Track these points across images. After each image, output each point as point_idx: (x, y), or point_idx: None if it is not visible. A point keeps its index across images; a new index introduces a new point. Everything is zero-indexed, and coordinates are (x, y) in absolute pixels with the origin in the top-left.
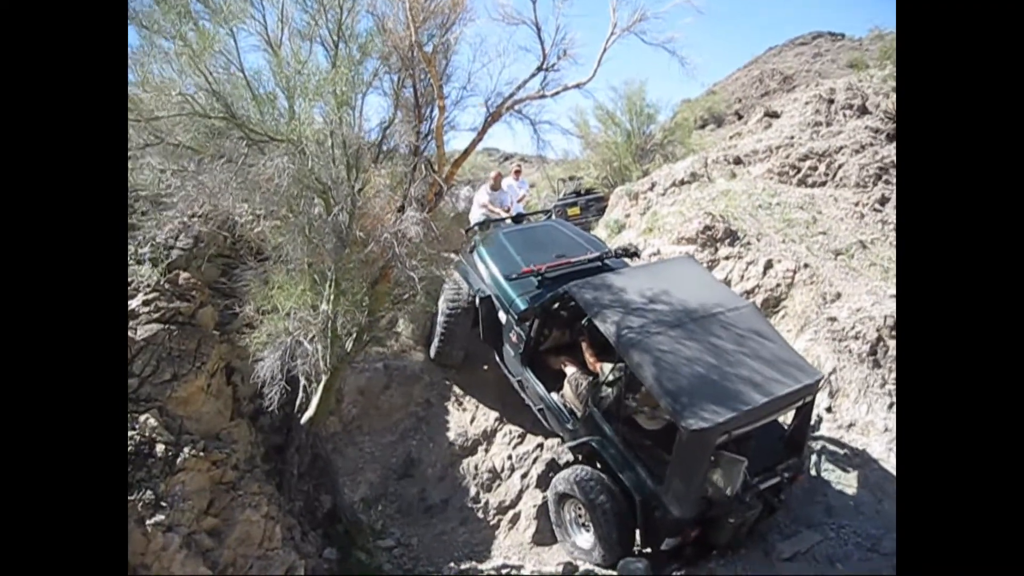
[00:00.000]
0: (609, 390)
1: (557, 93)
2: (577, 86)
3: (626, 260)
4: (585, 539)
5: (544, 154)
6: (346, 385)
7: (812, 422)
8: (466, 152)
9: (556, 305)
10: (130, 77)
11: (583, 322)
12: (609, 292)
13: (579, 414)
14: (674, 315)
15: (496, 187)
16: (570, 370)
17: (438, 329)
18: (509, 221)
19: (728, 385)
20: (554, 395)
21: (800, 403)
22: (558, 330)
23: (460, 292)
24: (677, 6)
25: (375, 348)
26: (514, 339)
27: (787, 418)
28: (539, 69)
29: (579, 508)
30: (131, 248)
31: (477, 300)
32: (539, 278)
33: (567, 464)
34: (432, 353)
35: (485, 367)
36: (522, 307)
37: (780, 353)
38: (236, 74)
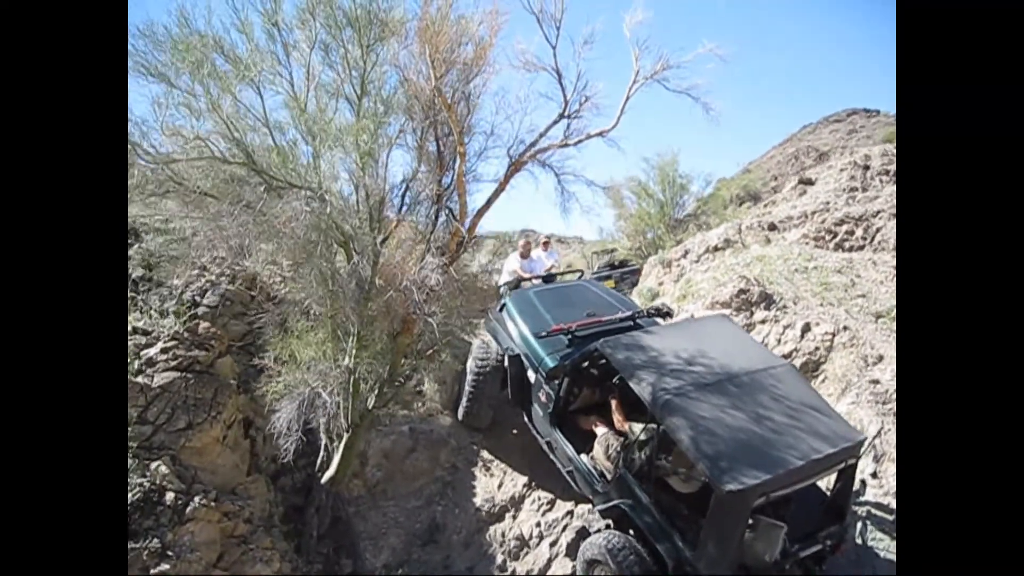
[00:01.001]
0: (640, 451)
1: (580, 141)
2: (600, 134)
3: (658, 320)
4: None
5: (577, 236)
6: (370, 448)
7: (856, 487)
8: (489, 202)
9: (586, 363)
10: (148, 120)
11: (614, 380)
12: (641, 350)
13: (609, 476)
14: (709, 374)
15: (526, 255)
16: (600, 430)
17: (466, 389)
18: (539, 281)
19: (766, 446)
20: (584, 457)
21: (842, 466)
22: (588, 389)
23: (489, 352)
24: (700, 56)
25: (401, 411)
26: (543, 398)
27: (829, 483)
28: (561, 116)
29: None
30: (156, 302)
31: (506, 359)
32: (569, 336)
33: (597, 531)
34: (460, 415)
35: (514, 431)
36: (551, 365)
37: (819, 414)
38: (258, 124)
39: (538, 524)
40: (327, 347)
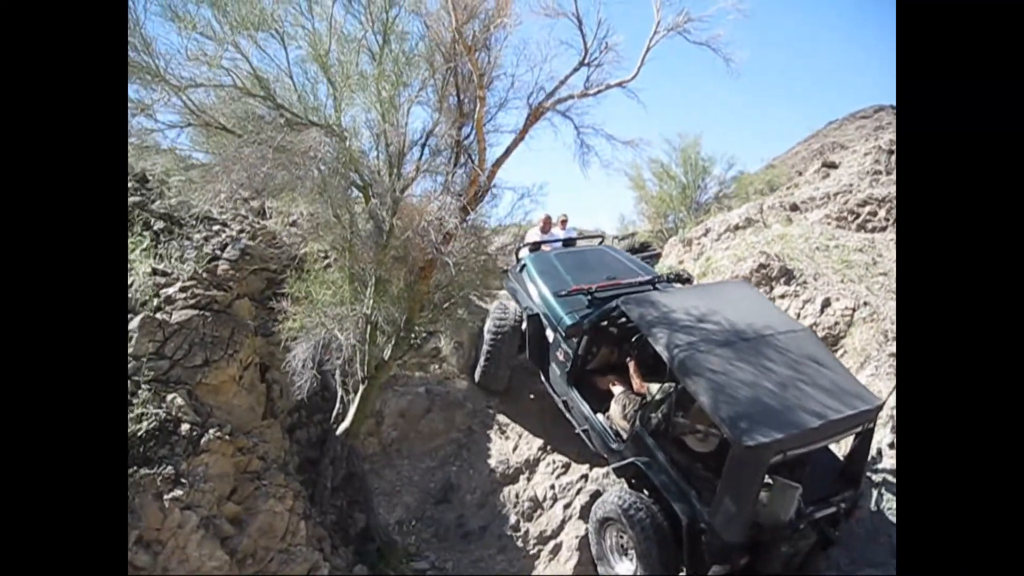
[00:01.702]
0: (658, 410)
1: (600, 91)
2: (620, 85)
3: (676, 285)
4: (626, 567)
5: (599, 230)
6: (387, 407)
7: (875, 456)
8: (508, 151)
9: (605, 322)
10: (172, 46)
11: (633, 340)
12: (661, 309)
13: (625, 435)
14: (728, 334)
15: (546, 230)
16: (617, 390)
17: (483, 350)
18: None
19: (783, 406)
20: (600, 416)
21: (858, 429)
22: (606, 349)
23: (507, 313)
24: (722, 9)
25: (417, 373)
26: (561, 357)
27: (845, 449)
28: (581, 64)
29: (621, 534)
30: (179, 253)
31: (525, 318)
32: (589, 297)
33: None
34: (476, 376)
35: (531, 396)
36: (569, 323)
37: (837, 378)
38: (281, 75)
39: (552, 487)
40: (344, 291)
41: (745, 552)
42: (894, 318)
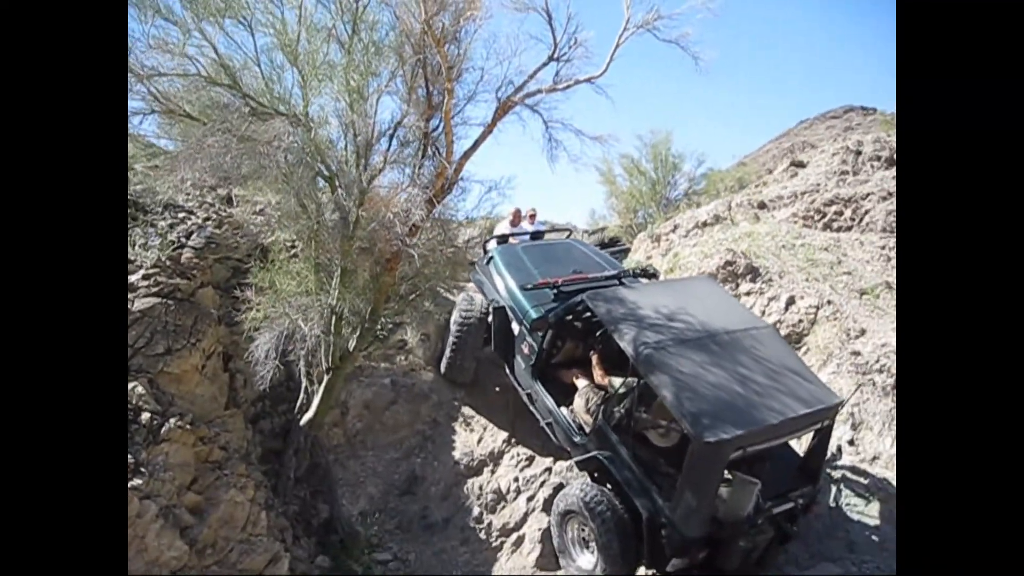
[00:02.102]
0: (620, 405)
1: (569, 86)
2: (589, 80)
3: (643, 280)
4: (587, 559)
5: (571, 224)
6: (351, 398)
7: (834, 453)
8: (476, 144)
9: (570, 316)
10: (133, 32)
11: (597, 335)
12: (626, 305)
13: (588, 429)
14: (691, 331)
15: (515, 223)
16: (581, 383)
17: (449, 341)
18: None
19: (744, 402)
20: (563, 409)
21: (817, 427)
22: (571, 343)
23: (473, 305)
24: (692, 7)
25: (383, 364)
26: (526, 350)
27: (804, 446)
28: (550, 59)
29: (583, 526)
30: (143, 240)
31: (491, 310)
32: (555, 291)
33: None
34: (442, 368)
35: (496, 388)
36: (535, 316)
37: (797, 376)
38: (249, 62)
39: (516, 479)
40: (309, 281)
41: (704, 547)
42: (856, 317)
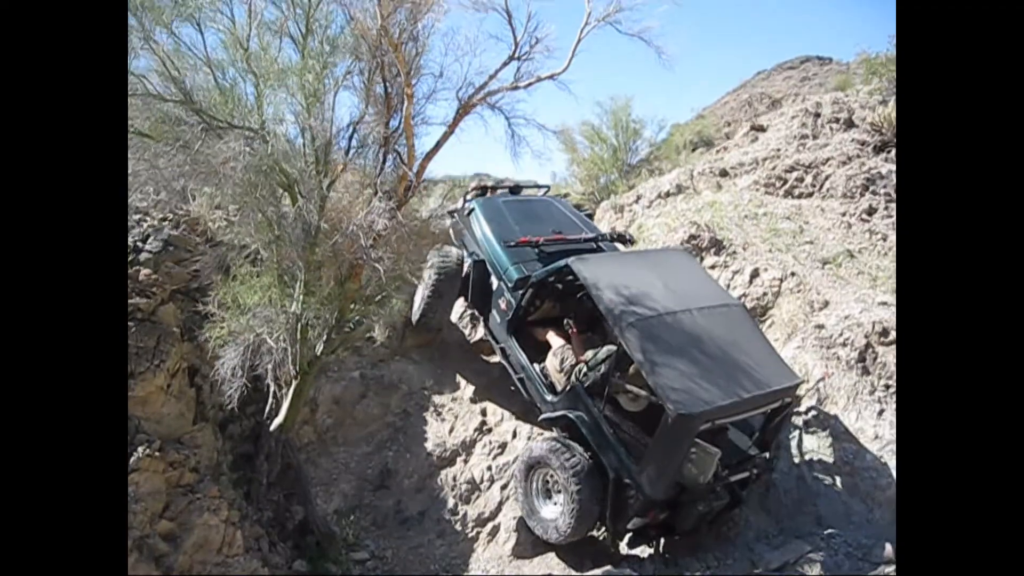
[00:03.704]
0: (595, 369)
1: (531, 84)
2: (551, 77)
3: (618, 246)
4: (551, 510)
5: (532, 182)
6: (321, 394)
7: (800, 430)
8: (437, 145)
9: (552, 278)
10: None
11: (577, 296)
12: (609, 272)
13: (559, 388)
14: (669, 304)
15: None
16: (556, 343)
17: (423, 292)
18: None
19: (715, 377)
20: (535, 366)
21: (777, 404)
22: (548, 303)
23: (449, 257)
24: None
25: (352, 357)
26: (503, 306)
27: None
28: (511, 58)
29: (547, 477)
30: None
31: (469, 263)
32: (536, 250)
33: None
34: (414, 317)
35: (465, 377)
36: (516, 276)
37: (763, 355)
38: (199, 63)
39: (489, 468)
40: (272, 292)
41: (665, 508)
42: (820, 288)
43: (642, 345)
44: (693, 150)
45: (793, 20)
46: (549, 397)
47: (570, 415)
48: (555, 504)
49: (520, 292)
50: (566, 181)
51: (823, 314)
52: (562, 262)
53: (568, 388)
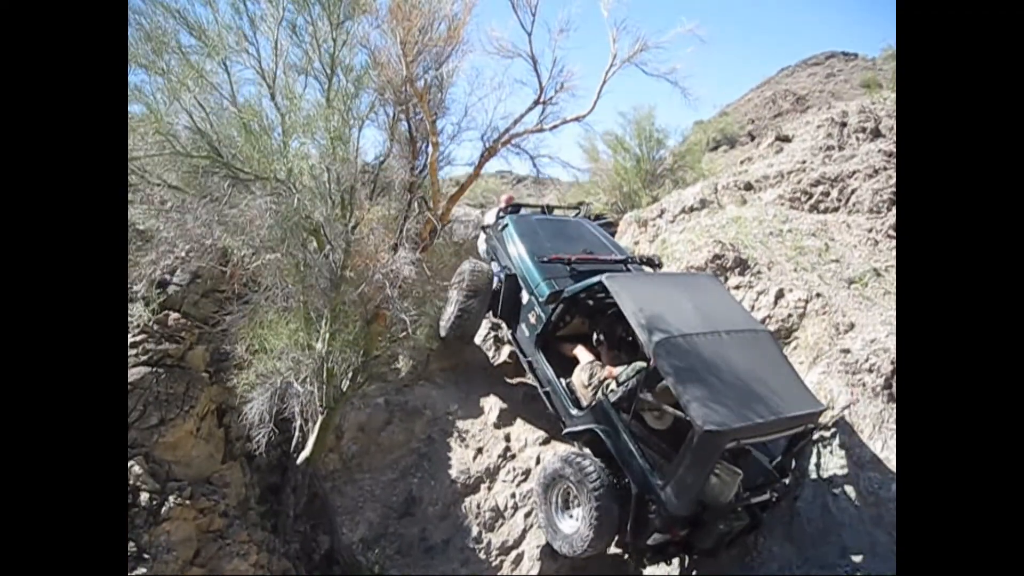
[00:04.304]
0: (622, 385)
1: (556, 127)
2: (576, 119)
3: (646, 268)
4: (569, 524)
5: (553, 177)
6: (346, 422)
7: (826, 459)
8: (462, 188)
9: (584, 294)
10: None
11: (607, 314)
12: (641, 290)
13: (585, 402)
14: (700, 325)
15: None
16: (584, 358)
17: (453, 305)
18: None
19: (742, 397)
20: (562, 380)
21: (800, 429)
22: (578, 319)
23: (481, 270)
24: (680, 35)
25: (376, 383)
26: (532, 320)
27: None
28: (536, 103)
29: (568, 491)
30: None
31: (501, 276)
32: (568, 267)
33: None
34: (443, 329)
35: (488, 402)
36: (548, 290)
37: (788, 380)
38: (227, 108)
39: (513, 495)
40: (299, 335)
41: (686, 525)
42: (845, 309)
43: (672, 363)
44: (715, 148)
45: (818, 15)
46: (574, 411)
47: (596, 429)
48: (573, 518)
49: (551, 307)
50: (588, 191)
51: (849, 337)
52: (595, 278)
53: (595, 403)
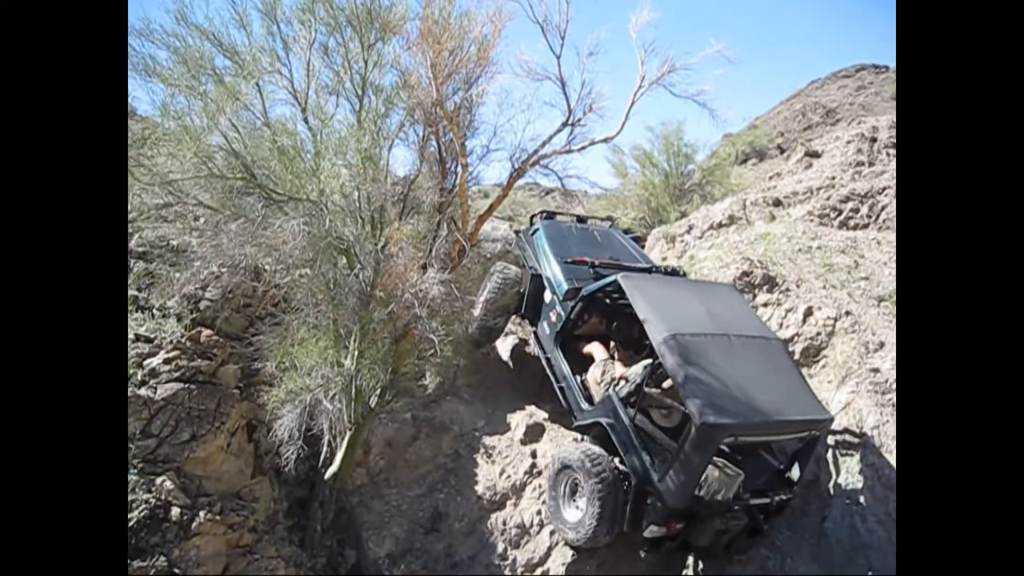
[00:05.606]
0: (632, 381)
1: (584, 148)
2: (604, 140)
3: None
4: (574, 514)
5: (580, 190)
6: (373, 437)
7: (851, 479)
8: (491, 208)
9: (601, 293)
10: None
11: (623, 313)
12: (655, 291)
13: (597, 398)
14: (710, 327)
15: None
16: (599, 356)
17: (483, 302)
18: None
19: (743, 397)
20: (577, 377)
21: (804, 436)
22: (595, 318)
23: (510, 272)
24: (708, 57)
25: (404, 398)
26: (553, 318)
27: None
28: (564, 124)
29: (575, 481)
30: (158, 301)
31: (528, 276)
32: (592, 270)
33: None
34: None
35: (516, 416)
36: (566, 286)
37: (795, 386)
38: (260, 128)
39: (539, 512)
40: (329, 352)
41: (683, 519)
42: (875, 328)
43: (678, 359)
44: (744, 161)
45: (849, 27)
46: (585, 406)
47: (602, 421)
48: (579, 509)
49: (570, 304)
50: (616, 206)
51: (878, 356)
52: (611, 277)
53: (604, 397)
